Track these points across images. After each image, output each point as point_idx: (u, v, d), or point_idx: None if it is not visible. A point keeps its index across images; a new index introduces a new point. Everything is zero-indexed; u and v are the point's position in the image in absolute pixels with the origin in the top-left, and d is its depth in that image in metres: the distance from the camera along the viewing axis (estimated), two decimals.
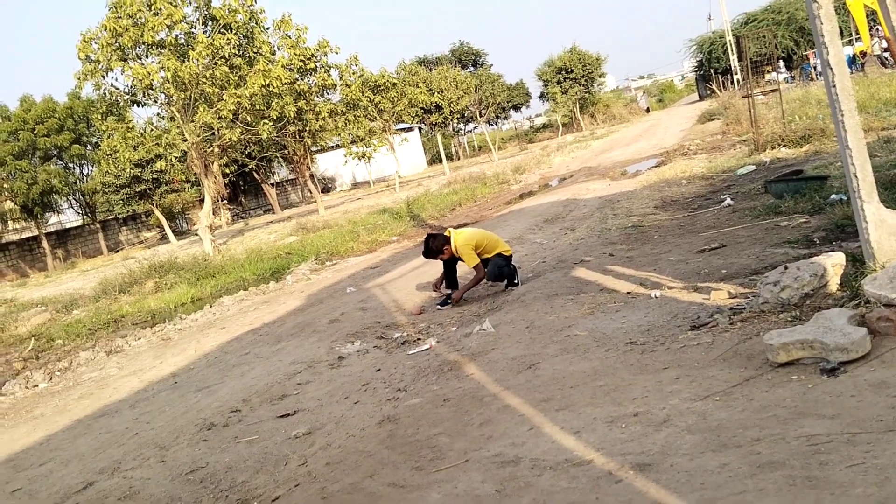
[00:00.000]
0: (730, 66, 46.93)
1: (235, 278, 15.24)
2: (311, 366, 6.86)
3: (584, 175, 21.43)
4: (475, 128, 71.27)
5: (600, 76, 65.28)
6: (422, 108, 41.40)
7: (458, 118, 51.68)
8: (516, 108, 75.51)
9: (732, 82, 42.32)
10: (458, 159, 64.32)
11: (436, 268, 8.78)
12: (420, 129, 62.65)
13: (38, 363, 10.49)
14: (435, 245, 8.25)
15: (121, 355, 9.92)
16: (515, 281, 8.29)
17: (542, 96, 67.59)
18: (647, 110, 76.21)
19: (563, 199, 16.29)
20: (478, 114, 54.22)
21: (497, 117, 73.51)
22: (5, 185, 36.45)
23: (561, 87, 60.79)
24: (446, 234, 8.35)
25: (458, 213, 19.94)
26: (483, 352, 5.89)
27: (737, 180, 12.30)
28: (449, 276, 8.50)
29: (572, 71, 61.00)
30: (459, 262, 8.47)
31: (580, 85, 61.36)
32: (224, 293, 13.87)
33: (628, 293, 6.61)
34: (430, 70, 48.69)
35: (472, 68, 69.09)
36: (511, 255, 8.47)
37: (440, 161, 51.34)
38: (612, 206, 12.98)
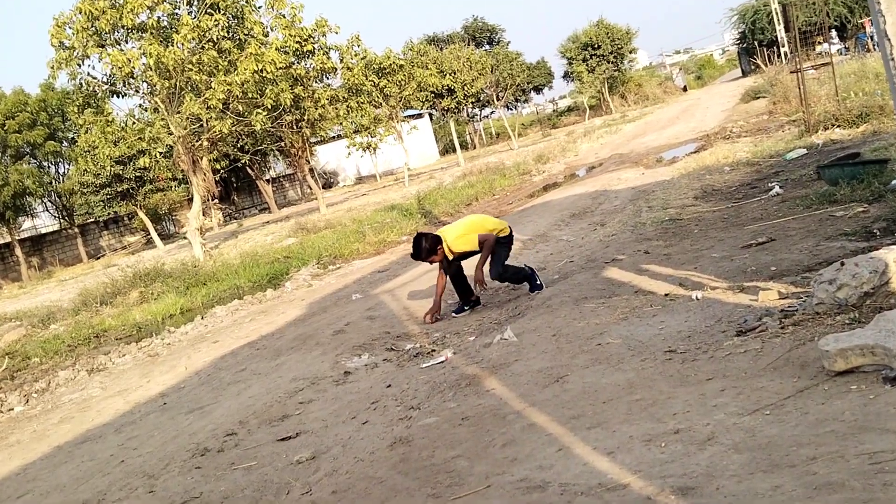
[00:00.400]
0: (776, 37, 46.56)
1: (229, 286, 15.32)
2: (315, 382, 6.89)
3: (615, 163, 21.41)
4: (492, 113, 71.32)
5: (631, 52, 65.21)
6: (432, 93, 41.43)
7: (472, 102, 51.63)
8: (538, 89, 75.49)
9: (779, 56, 42.01)
10: (474, 148, 64.35)
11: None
12: (431, 115, 62.69)
13: (12, 384, 10.58)
14: (428, 244, 8.06)
15: (104, 374, 9.99)
16: (538, 282, 8.24)
17: (566, 76, 67.60)
18: (685, 89, 76.07)
19: (592, 190, 16.28)
20: (495, 97, 54.17)
21: (516, 100, 73.49)
22: None
23: (587, 65, 60.69)
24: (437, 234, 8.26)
25: (474, 209, 19.95)
26: (505, 364, 5.89)
27: (786, 166, 12.24)
28: (458, 283, 8.41)
29: (600, 47, 60.90)
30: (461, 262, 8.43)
31: (609, 62, 61.24)
32: (217, 303, 13.95)
33: (666, 295, 6.60)
34: (441, 50, 48.58)
35: (487, 46, 69.05)
36: (511, 235, 8.39)
37: (454, 150, 51.39)
38: (647, 197, 12.96)
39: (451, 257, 8.18)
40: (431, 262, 8.30)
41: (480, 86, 46.13)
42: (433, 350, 7.08)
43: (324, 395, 6.42)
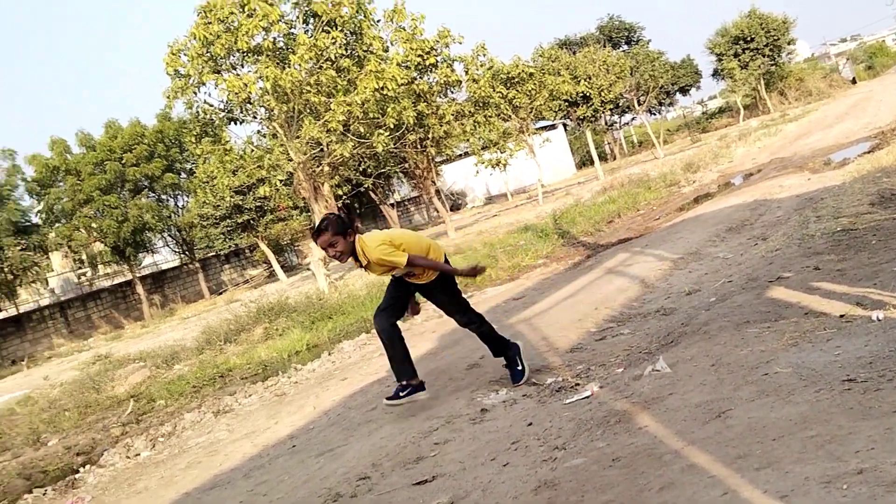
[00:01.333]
0: None
1: (356, 319, 15.59)
2: (450, 421, 6.93)
3: (776, 169, 20.87)
4: (633, 119, 70.88)
5: (789, 43, 63.70)
6: (566, 101, 41.37)
7: (611, 109, 51.29)
8: (684, 90, 74.45)
9: None
10: (614, 159, 64.02)
11: (597, 292, 8.61)
12: (565, 126, 62.72)
13: (138, 428, 11.06)
14: (342, 222, 6.97)
15: (230, 416, 10.34)
16: (519, 367, 7.65)
17: (715, 74, 66.50)
18: (854, 81, 73.75)
19: (750, 200, 15.91)
20: (635, 102, 53.68)
21: (660, 104, 72.76)
22: (93, 225, 38.80)
23: (739, 60, 59.61)
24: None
25: (616, 227, 19.77)
26: (658, 398, 5.80)
27: None
28: (399, 348, 7.57)
29: (753, 39, 59.73)
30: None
31: (764, 56, 60.01)
32: (343, 337, 14.21)
33: (842, 316, 6.38)
34: (574, 53, 48.53)
35: (625, 47, 68.69)
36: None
37: (591, 163, 51.20)
38: (815, 205, 12.57)
39: (363, 261, 7.12)
40: (332, 252, 7.02)
41: (619, 90, 45.79)
42: (577, 384, 7.03)
43: (460, 435, 6.46)
